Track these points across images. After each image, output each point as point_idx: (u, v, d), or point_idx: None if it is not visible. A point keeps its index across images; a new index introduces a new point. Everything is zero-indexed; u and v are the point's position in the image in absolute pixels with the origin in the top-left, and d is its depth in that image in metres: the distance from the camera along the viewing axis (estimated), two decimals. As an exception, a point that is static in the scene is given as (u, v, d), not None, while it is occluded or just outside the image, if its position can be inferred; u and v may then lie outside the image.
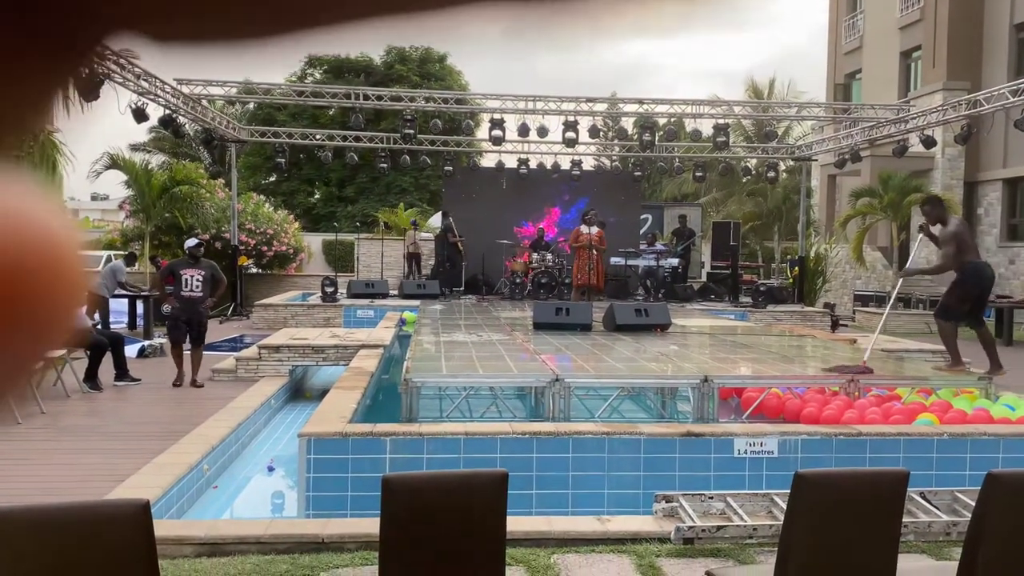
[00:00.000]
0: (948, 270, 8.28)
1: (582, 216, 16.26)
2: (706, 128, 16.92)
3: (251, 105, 29.49)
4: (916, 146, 15.75)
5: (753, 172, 21.59)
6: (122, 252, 15.91)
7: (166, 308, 9.21)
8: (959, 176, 21.05)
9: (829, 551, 2.85)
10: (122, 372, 8.93)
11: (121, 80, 11.35)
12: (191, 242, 9.11)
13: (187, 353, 8.87)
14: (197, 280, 8.68)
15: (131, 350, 10.35)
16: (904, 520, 4.25)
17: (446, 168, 19.04)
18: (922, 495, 4.79)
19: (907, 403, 6.78)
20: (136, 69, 11.74)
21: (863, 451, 5.55)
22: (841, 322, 16.53)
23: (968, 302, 8.00)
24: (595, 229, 15.60)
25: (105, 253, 17.69)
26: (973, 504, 3.13)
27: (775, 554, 3.06)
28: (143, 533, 2.33)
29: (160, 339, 11.80)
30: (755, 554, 4.25)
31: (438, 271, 17.68)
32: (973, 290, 7.95)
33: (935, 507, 4.72)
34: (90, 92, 10.07)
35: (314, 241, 25.67)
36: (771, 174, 19.15)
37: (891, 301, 9.72)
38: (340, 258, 24.52)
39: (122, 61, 11.27)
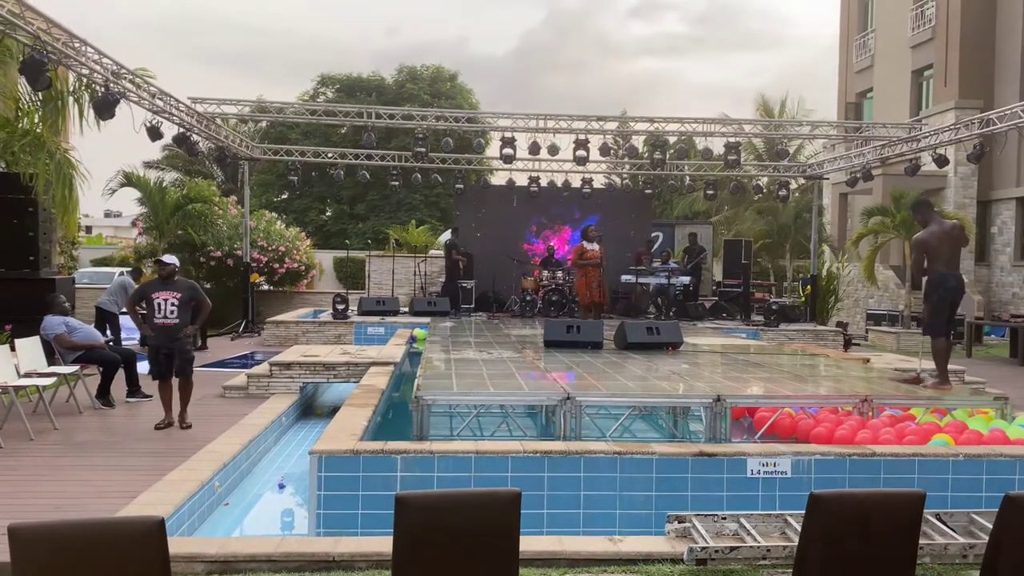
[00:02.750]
0: (917, 278, 7.93)
1: (583, 233, 16.29)
2: (717, 146, 16.95)
3: (264, 123, 29.71)
4: (928, 164, 15.70)
5: (764, 190, 21.58)
6: (130, 270, 16.00)
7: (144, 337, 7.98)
8: (972, 195, 20.98)
9: (844, 572, 2.82)
10: (134, 389, 8.96)
11: (136, 99, 11.46)
12: (166, 258, 7.80)
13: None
14: (172, 304, 7.45)
15: (143, 367, 10.37)
16: (920, 542, 4.21)
17: (457, 186, 19.12)
18: (938, 517, 4.73)
19: (921, 423, 6.73)
20: (151, 88, 11.87)
21: (877, 472, 5.51)
22: (854, 341, 16.44)
23: (941, 314, 7.65)
24: (597, 246, 15.62)
25: (116, 270, 17.82)
26: (990, 526, 3.09)
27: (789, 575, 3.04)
28: (158, 550, 2.33)
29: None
30: (769, 576, 4.22)
31: (449, 288, 17.74)
32: (940, 301, 7.61)
33: (951, 529, 4.67)
34: (105, 111, 10.18)
35: (325, 258, 25.80)
36: (782, 192, 19.12)
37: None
38: (351, 275, 24.63)
39: (137, 80, 11.39)
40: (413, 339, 12.86)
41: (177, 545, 4.29)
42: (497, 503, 2.80)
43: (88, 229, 42.98)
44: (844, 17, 27.82)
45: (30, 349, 8.20)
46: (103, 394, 8.53)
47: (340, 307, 15.49)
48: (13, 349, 8.05)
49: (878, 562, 2.79)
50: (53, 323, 8.65)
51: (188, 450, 6.41)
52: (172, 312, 7.46)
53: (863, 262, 19.81)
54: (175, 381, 7.64)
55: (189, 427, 7.54)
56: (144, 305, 7.58)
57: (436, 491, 4.45)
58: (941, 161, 14.64)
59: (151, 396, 9.00)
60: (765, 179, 21.55)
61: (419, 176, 19.11)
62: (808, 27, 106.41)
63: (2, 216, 11.13)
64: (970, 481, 5.53)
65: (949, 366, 7.98)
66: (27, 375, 7.77)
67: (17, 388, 7.47)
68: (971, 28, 21.11)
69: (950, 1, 21.59)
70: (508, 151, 15.27)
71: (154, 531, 2.34)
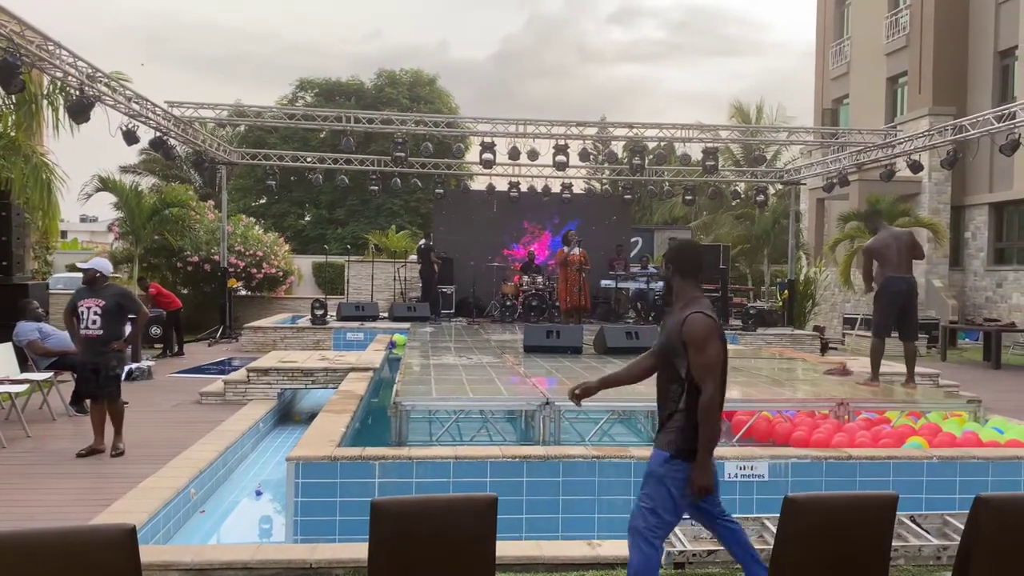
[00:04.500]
0: (868, 284, 8.44)
1: (563, 238, 16.34)
2: (695, 152, 17.05)
3: (242, 128, 29.55)
4: (903, 170, 15.89)
5: (742, 196, 21.75)
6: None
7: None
8: (946, 200, 21.26)
9: (819, 573, 2.84)
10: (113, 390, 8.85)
11: (112, 103, 11.36)
12: (85, 264, 6.98)
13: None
14: (95, 313, 6.63)
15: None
16: (894, 544, 4.24)
17: (437, 191, 19.09)
18: (912, 519, 4.78)
19: (896, 426, 6.80)
20: (127, 91, 11.76)
21: (853, 475, 5.56)
22: (831, 345, 16.58)
23: (888, 316, 8.15)
24: (578, 249, 15.67)
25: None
26: (963, 528, 3.13)
27: (766, 579, 3.05)
28: (128, 558, 2.31)
29: (148, 361, 11.73)
30: (746, 579, 4.23)
31: (427, 293, 17.70)
32: (888, 305, 8.09)
33: (925, 531, 4.72)
34: (80, 114, 10.07)
35: (304, 263, 25.64)
36: (760, 198, 19.28)
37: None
38: (330, 280, 24.51)
39: (113, 84, 11.29)
40: (392, 344, 12.82)
41: (152, 553, 4.24)
42: (474, 508, 2.79)
43: (64, 234, 42.45)
44: (820, 24, 28.12)
45: (2, 355, 8.09)
46: (77, 401, 8.42)
47: (319, 312, 15.42)
48: (-15, 355, 7.94)
49: (852, 564, 2.81)
50: (26, 329, 8.53)
51: (164, 457, 6.35)
52: (95, 322, 6.62)
53: (839, 267, 20.01)
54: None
55: (120, 454, 6.58)
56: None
57: (412, 497, 4.44)
58: (915, 167, 14.83)
59: (127, 403, 8.88)
60: (743, 184, 21.68)
61: (399, 181, 19.06)
62: (785, 33, 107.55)
63: (-26, 221, 10.97)
64: (944, 483, 5.59)
65: (922, 369, 8.20)
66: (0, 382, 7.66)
67: (-11, 395, 7.37)
68: (944, 36, 21.41)
69: (923, 9, 21.89)
70: (488, 156, 15.28)
71: (125, 539, 2.31)
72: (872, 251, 8.20)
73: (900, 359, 8.64)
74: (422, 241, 19.13)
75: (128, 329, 7.39)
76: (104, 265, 6.96)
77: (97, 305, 6.66)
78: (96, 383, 6.68)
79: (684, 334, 3.34)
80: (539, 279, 16.33)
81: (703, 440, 3.35)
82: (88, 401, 7.04)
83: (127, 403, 8.84)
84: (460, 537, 2.75)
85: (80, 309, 6.65)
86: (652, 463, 3.49)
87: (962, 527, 3.26)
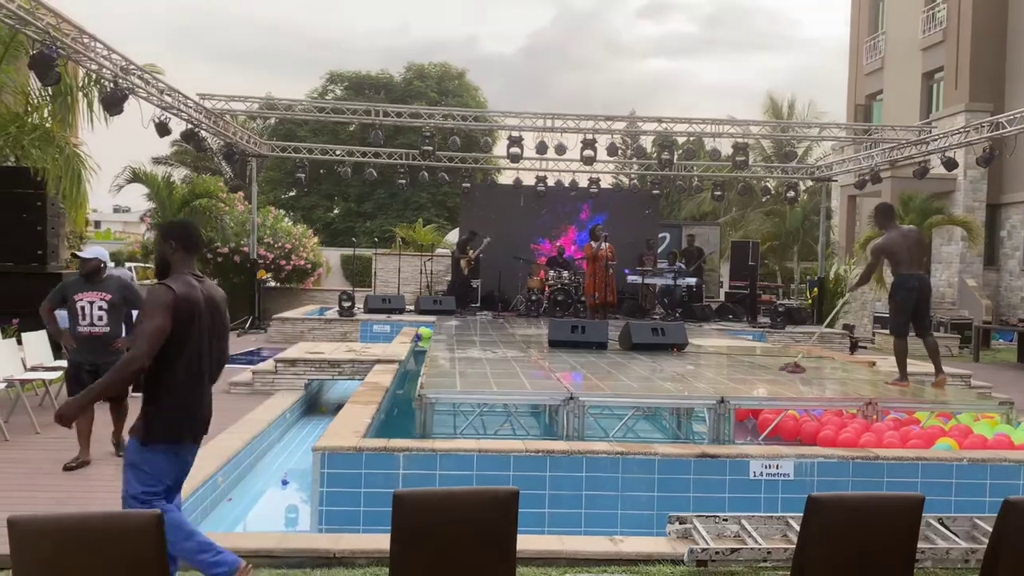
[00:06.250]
0: (864, 280, 8.47)
1: (591, 233, 16.28)
2: (725, 147, 16.91)
3: (272, 120, 29.81)
4: (937, 168, 15.64)
5: (772, 192, 21.54)
6: (140, 264, 16.08)
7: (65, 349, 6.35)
8: (981, 198, 20.89)
9: (843, 575, 2.81)
10: (139, 384, 8.98)
11: (145, 95, 11.51)
12: (87, 253, 6.25)
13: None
14: (100, 308, 6.00)
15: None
16: (921, 546, 4.20)
17: (464, 185, 19.12)
18: (940, 521, 4.72)
19: (926, 427, 6.71)
20: (160, 84, 11.91)
21: (880, 475, 5.49)
22: (860, 344, 16.37)
23: (903, 314, 8.10)
24: (606, 245, 15.61)
25: (126, 265, 17.91)
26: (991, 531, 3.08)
27: (788, 578, 3.03)
28: (156, 545, 2.34)
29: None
30: (769, 578, 4.21)
31: (454, 287, 17.75)
32: (903, 302, 8.05)
33: (954, 533, 4.65)
34: (114, 106, 10.22)
35: (332, 256, 25.84)
36: (791, 194, 19.08)
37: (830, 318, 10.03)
38: (357, 273, 24.67)
39: (146, 76, 11.44)
40: (418, 337, 12.87)
41: (179, 540, 4.30)
42: (495, 501, 2.80)
43: (97, 224, 43.16)
44: (854, 19, 27.72)
45: (36, 343, 8.24)
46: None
47: (346, 305, 15.52)
48: (20, 343, 8.10)
49: (876, 565, 2.78)
50: (60, 317, 8.68)
51: (192, 445, 6.42)
52: (101, 318, 5.98)
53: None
54: (102, 406, 5.79)
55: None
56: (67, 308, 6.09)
57: (434, 489, 4.46)
58: (950, 164, 14.59)
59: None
60: (773, 181, 21.47)
61: (426, 174, 19.12)
62: (817, 28, 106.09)
63: (11, 210, 11.18)
64: (974, 486, 5.51)
65: (954, 369, 8.12)
66: (33, 369, 7.81)
67: (23, 382, 7.51)
68: (982, 31, 21.01)
69: (961, 4, 21.49)
70: (515, 150, 15.27)
71: (153, 525, 2.35)
72: (884, 250, 8.15)
73: (924, 358, 8.56)
74: (454, 234, 19.18)
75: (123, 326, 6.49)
76: (105, 255, 6.39)
77: (102, 299, 6.03)
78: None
79: (143, 300, 3.45)
80: (565, 274, 16.30)
81: (100, 383, 3.55)
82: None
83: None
84: (482, 530, 2.76)
85: (80, 304, 6.01)
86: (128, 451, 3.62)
87: (991, 530, 3.22)
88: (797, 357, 8.97)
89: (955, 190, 20.96)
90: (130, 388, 5.87)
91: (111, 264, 6.82)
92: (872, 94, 26.66)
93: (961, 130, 14.59)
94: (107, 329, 6.03)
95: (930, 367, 8.40)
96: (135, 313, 6.13)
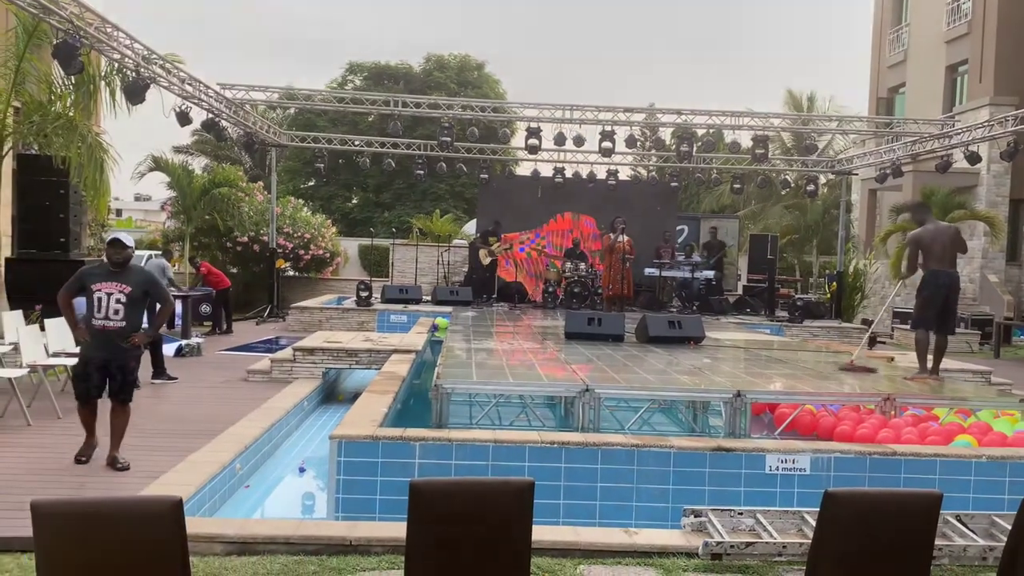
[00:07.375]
0: (908, 271, 8.39)
1: (611, 224, 16.22)
2: (744, 140, 16.79)
3: (292, 110, 29.90)
4: (960, 162, 15.45)
5: (792, 185, 21.36)
6: (160, 252, 16.17)
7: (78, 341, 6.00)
8: (1004, 193, 20.62)
9: (858, 571, 2.81)
10: (160, 370, 9.09)
11: (166, 84, 11.58)
12: (122, 237, 5.81)
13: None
14: (118, 301, 5.58)
15: (169, 349, 10.55)
16: (939, 543, 4.17)
17: (482, 176, 19.12)
18: (958, 518, 4.69)
19: (945, 424, 6.66)
20: (181, 73, 11.98)
21: (898, 471, 5.46)
22: (879, 339, 16.26)
23: (931, 309, 8.09)
24: (624, 237, 15.55)
25: (145, 252, 18.07)
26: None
27: (803, 573, 3.03)
28: (175, 530, 2.38)
29: (198, 339, 11.99)
30: (784, 572, 4.20)
31: (471, 278, 17.77)
32: (931, 298, 8.05)
33: (971, 531, 4.62)
34: (136, 95, 10.29)
35: (350, 246, 25.95)
36: (811, 187, 18.92)
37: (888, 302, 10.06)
38: (375, 263, 24.76)
39: (167, 65, 11.51)
40: (435, 328, 12.91)
41: (197, 525, 4.35)
42: (510, 492, 2.82)
43: (118, 212, 43.49)
44: (877, 11, 27.40)
45: (59, 329, 8.33)
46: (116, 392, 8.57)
47: (364, 294, 15.59)
48: (43, 329, 8.20)
49: (892, 562, 2.77)
50: (82, 304, 8.78)
51: (211, 432, 6.50)
52: (117, 312, 5.57)
53: (891, 259, 19.57)
54: (104, 405, 5.78)
55: (125, 468, 5.53)
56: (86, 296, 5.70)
57: (450, 479, 4.48)
58: (973, 158, 14.41)
59: (176, 378, 9.13)
60: (793, 174, 21.29)
61: (444, 165, 19.13)
62: (840, 20, 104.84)
63: (34, 198, 11.32)
64: (992, 483, 5.47)
65: (974, 365, 8.09)
66: (56, 355, 7.90)
67: (46, 367, 7.60)
68: (1008, 23, 20.69)
69: (987, -5, 21.18)
70: (533, 142, 15.25)
71: (172, 510, 2.38)
72: (919, 241, 8.15)
73: (948, 354, 8.50)
74: (471, 226, 19.19)
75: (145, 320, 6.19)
76: (132, 241, 5.97)
77: (121, 291, 5.60)
78: (102, 385, 5.70)
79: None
80: (582, 266, 16.28)
81: None
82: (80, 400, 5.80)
83: (176, 379, 9.11)
84: (497, 520, 2.77)
85: (98, 294, 5.58)
86: None
87: (1010, 528, 3.19)
88: (852, 357, 8.89)
89: (978, 184, 20.71)
90: (135, 386, 5.97)
91: (146, 253, 6.88)
92: (895, 87, 26.35)
93: (985, 124, 14.41)
94: (123, 324, 5.61)
95: (954, 364, 8.38)
96: (159, 306, 6.07)
